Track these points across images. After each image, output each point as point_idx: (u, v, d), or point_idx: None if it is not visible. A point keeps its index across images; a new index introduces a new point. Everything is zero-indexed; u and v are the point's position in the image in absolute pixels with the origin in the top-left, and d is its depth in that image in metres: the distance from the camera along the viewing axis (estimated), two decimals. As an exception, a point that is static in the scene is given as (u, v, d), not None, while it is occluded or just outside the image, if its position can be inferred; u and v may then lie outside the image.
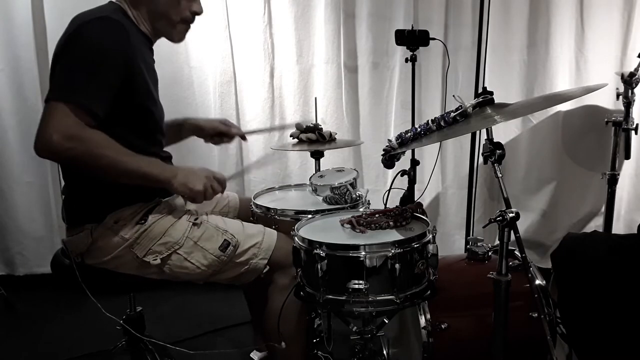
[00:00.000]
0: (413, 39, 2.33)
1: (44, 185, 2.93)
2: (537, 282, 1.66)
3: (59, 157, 1.40)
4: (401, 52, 2.72)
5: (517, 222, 1.31)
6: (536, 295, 1.44)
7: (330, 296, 1.35)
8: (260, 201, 1.88)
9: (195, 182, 1.53)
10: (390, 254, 1.30)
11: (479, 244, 1.82)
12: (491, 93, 1.42)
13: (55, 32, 2.57)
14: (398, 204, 1.78)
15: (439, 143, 2.73)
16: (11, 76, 2.81)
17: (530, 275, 1.40)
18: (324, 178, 1.90)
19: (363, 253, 1.31)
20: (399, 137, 1.53)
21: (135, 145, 1.50)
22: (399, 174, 2.20)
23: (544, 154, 2.82)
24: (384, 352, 1.93)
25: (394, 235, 1.43)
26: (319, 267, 1.33)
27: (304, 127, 2.11)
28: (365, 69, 2.85)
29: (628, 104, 2.33)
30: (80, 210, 1.57)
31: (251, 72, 2.83)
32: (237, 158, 2.89)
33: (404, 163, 2.00)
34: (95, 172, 1.44)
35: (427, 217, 1.52)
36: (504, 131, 2.82)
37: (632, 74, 2.28)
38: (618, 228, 2.76)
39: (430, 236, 1.39)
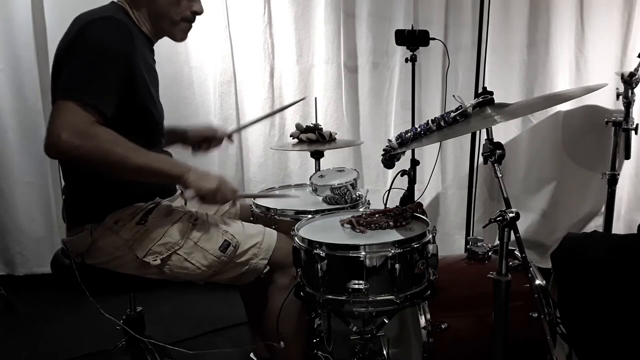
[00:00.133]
0: (413, 39, 2.33)
1: (44, 185, 2.93)
2: (537, 282, 1.66)
3: (69, 155, 1.35)
4: (401, 52, 2.72)
5: (517, 222, 1.31)
6: (536, 295, 1.44)
7: (330, 296, 1.35)
8: (261, 201, 1.88)
9: (210, 180, 1.50)
10: (390, 254, 1.30)
11: (479, 244, 1.82)
12: (491, 93, 1.42)
13: (55, 32, 2.57)
14: (398, 204, 1.78)
15: (439, 143, 2.73)
16: (11, 76, 2.80)
17: (530, 275, 1.40)
18: (324, 178, 1.90)
19: (363, 253, 1.31)
20: (399, 137, 1.53)
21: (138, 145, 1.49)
22: (399, 174, 2.20)
23: (544, 154, 2.82)
24: (384, 352, 1.94)
25: (394, 235, 1.43)
26: (319, 267, 1.33)
27: (304, 127, 2.11)
28: (365, 69, 2.85)
29: (628, 104, 2.33)
30: (81, 210, 1.57)
31: (251, 72, 2.83)
32: (237, 158, 2.90)
33: (404, 163, 2.00)
34: (106, 170, 1.41)
35: (427, 217, 1.52)
36: (504, 131, 2.83)
37: (632, 74, 2.28)
38: (618, 228, 2.76)
39: (430, 236, 1.39)
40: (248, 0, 2.75)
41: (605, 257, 1.70)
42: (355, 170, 1.95)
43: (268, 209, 1.79)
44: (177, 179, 1.48)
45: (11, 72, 2.80)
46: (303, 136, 2.10)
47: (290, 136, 2.16)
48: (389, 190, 1.98)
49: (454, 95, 1.50)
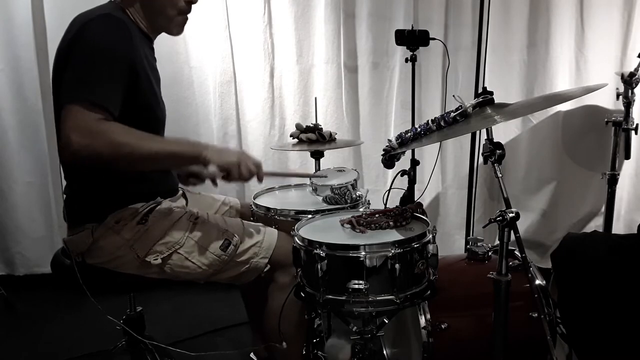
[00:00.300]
0: (413, 39, 2.33)
1: (44, 185, 2.93)
2: (537, 282, 1.66)
3: (82, 155, 1.34)
4: (401, 52, 2.72)
5: (517, 222, 1.31)
6: (536, 295, 1.44)
7: (330, 296, 1.35)
8: (260, 201, 1.88)
9: (229, 154, 1.46)
10: (390, 254, 1.30)
11: (479, 244, 1.82)
12: (491, 93, 1.43)
13: (55, 32, 2.57)
14: (398, 204, 1.79)
15: (439, 143, 2.73)
16: (11, 76, 2.80)
17: (530, 275, 1.40)
18: (324, 178, 1.90)
19: (363, 253, 1.31)
20: (399, 137, 1.53)
21: None
22: (399, 174, 2.20)
23: (544, 154, 2.82)
24: (384, 352, 1.94)
25: (394, 235, 1.43)
26: (319, 267, 1.33)
27: (304, 127, 2.11)
28: (365, 69, 2.85)
29: (628, 104, 2.33)
30: (82, 209, 1.57)
31: (251, 72, 2.83)
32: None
33: (404, 163, 2.00)
34: (122, 163, 1.40)
35: (427, 217, 1.52)
36: (504, 131, 2.83)
37: (632, 74, 2.28)
38: (618, 228, 2.76)
39: (430, 236, 1.39)
40: (248, 0, 2.75)
41: (605, 257, 1.70)
42: (355, 170, 1.95)
43: (268, 208, 1.79)
44: (196, 159, 1.44)
45: (11, 72, 2.80)
46: (303, 136, 2.10)
47: (290, 136, 2.16)
48: (389, 190, 1.99)
49: (454, 95, 1.50)
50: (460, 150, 2.86)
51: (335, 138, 2.13)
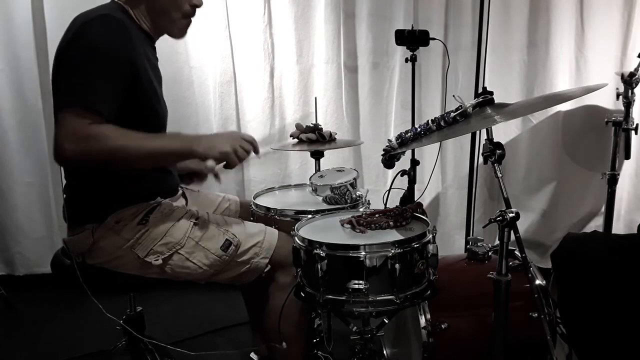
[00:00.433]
0: (413, 39, 2.33)
1: (44, 185, 2.93)
2: (537, 282, 1.66)
3: (77, 161, 1.38)
4: (401, 52, 2.72)
5: (517, 222, 1.31)
6: (536, 295, 1.44)
7: (330, 296, 1.35)
8: (260, 201, 1.88)
9: (222, 144, 1.46)
10: (390, 254, 1.30)
11: (479, 244, 1.82)
12: (491, 93, 1.43)
13: (55, 32, 2.57)
14: (398, 204, 1.79)
15: (439, 143, 2.73)
16: (11, 76, 2.80)
17: (530, 275, 1.40)
18: (324, 178, 1.90)
19: (363, 253, 1.31)
20: (399, 137, 1.53)
21: None
22: (399, 174, 2.20)
23: (544, 154, 2.82)
24: (384, 352, 1.94)
25: (394, 235, 1.43)
26: (319, 267, 1.33)
27: (304, 127, 2.11)
28: (365, 69, 2.85)
29: (628, 104, 2.33)
30: (82, 210, 1.57)
31: (251, 72, 2.83)
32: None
33: (404, 163, 2.00)
34: (117, 164, 1.43)
35: (427, 217, 1.52)
36: (504, 131, 2.83)
37: (632, 74, 2.28)
38: (618, 228, 2.77)
39: (430, 236, 1.39)
40: (248, 0, 2.75)
41: (605, 257, 1.70)
42: (355, 170, 1.95)
43: (268, 208, 1.79)
44: (190, 154, 1.46)
45: (11, 72, 2.80)
46: (303, 136, 2.10)
47: (290, 136, 2.16)
48: (389, 190, 1.98)
49: (454, 95, 1.50)
50: (460, 150, 2.86)
51: (335, 138, 2.13)
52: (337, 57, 2.81)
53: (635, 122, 2.37)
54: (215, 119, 2.85)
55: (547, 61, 2.75)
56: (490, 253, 1.81)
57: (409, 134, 1.51)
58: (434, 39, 2.38)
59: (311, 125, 2.11)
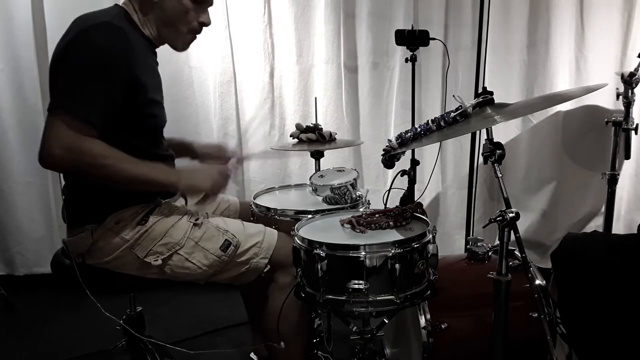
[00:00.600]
0: (413, 39, 2.33)
1: (44, 185, 2.93)
2: (537, 282, 1.66)
3: (61, 168, 1.44)
4: (401, 52, 2.72)
5: (517, 222, 1.31)
6: (536, 295, 1.44)
7: (330, 296, 1.35)
8: (260, 201, 1.88)
9: (202, 181, 1.56)
10: (390, 254, 1.30)
11: (479, 244, 1.82)
12: (491, 93, 1.42)
13: (55, 32, 2.57)
14: (398, 204, 1.78)
15: (439, 143, 2.73)
16: (11, 76, 2.81)
17: (530, 275, 1.40)
18: (324, 178, 1.90)
19: (363, 253, 1.31)
20: (399, 137, 1.53)
21: (137, 146, 1.50)
22: (399, 174, 2.20)
23: (544, 154, 2.82)
24: (384, 352, 1.94)
25: (394, 235, 1.43)
26: (319, 267, 1.33)
27: (304, 127, 2.11)
28: (365, 69, 2.85)
29: (628, 104, 2.33)
30: (81, 210, 1.57)
31: (251, 72, 2.83)
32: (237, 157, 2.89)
33: (404, 163, 2.00)
34: (99, 181, 1.46)
35: (427, 217, 1.52)
36: (504, 131, 2.83)
37: (632, 74, 2.28)
38: (618, 228, 2.76)
39: (430, 236, 1.39)
40: (248, 0, 2.75)
41: (605, 257, 1.70)
42: (355, 170, 1.95)
43: (268, 208, 1.79)
44: (170, 187, 1.53)
45: (11, 72, 2.80)
46: (303, 136, 2.10)
47: (290, 136, 2.16)
48: (389, 190, 1.98)
49: (454, 95, 1.50)
50: (460, 150, 2.86)
51: (335, 138, 2.13)
52: (337, 57, 2.81)
53: (635, 122, 2.37)
54: (215, 119, 2.85)
55: (547, 61, 2.75)
56: (490, 253, 1.81)
57: (409, 134, 1.51)
58: (434, 39, 2.38)
59: (311, 125, 2.11)
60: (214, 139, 2.84)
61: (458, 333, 1.64)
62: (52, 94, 1.44)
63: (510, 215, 1.29)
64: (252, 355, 2.04)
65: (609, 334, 1.65)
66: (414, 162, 2.37)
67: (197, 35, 1.68)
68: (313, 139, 2.08)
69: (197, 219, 1.61)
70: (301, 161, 2.90)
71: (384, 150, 1.57)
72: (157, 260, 1.53)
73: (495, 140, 1.37)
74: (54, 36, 2.62)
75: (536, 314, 1.61)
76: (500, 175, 1.34)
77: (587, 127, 2.73)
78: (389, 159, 1.57)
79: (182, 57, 2.77)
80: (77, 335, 2.51)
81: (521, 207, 2.72)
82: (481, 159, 1.43)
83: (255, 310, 1.92)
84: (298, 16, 2.79)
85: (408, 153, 2.35)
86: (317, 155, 2.19)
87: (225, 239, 1.59)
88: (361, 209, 1.73)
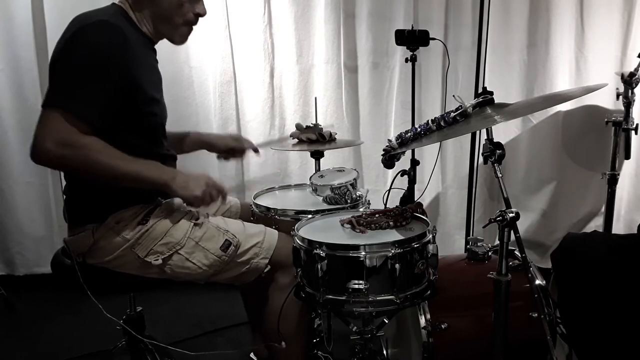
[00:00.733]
0: (413, 39, 2.33)
1: (44, 185, 2.93)
2: (537, 282, 1.66)
3: (53, 164, 1.42)
4: (401, 52, 2.72)
5: (517, 222, 1.31)
6: (536, 295, 1.44)
7: (330, 296, 1.35)
8: (261, 201, 1.88)
9: (195, 187, 1.50)
10: (390, 254, 1.30)
11: (479, 244, 1.82)
12: (491, 93, 1.42)
13: (55, 32, 2.56)
14: (398, 204, 1.78)
15: (439, 143, 2.73)
16: (11, 76, 2.81)
17: (530, 275, 1.40)
18: (324, 178, 1.90)
19: (363, 253, 1.31)
20: (399, 137, 1.53)
21: (138, 146, 1.50)
22: (399, 174, 2.20)
23: (544, 154, 2.82)
24: (384, 352, 1.94)
25: (394, 235, 1.43)
26: (319, 267, 1.33)
27: (304, 127, 2.11)
28: (365, 69, 2.85)
29: (628, 104, 2.33)
30: (82, 210, 1.57)
31: (251, 72, 2.83)
32: (237, 157, 2.90)
33: (404, 163, 2.00)
34: (92, 178, 1.45)
35: (427, 217, 1.52)
36: (504, 131, 2.83)
37: (632, 74, 2.28)
38: (618, 228, 2.77)
39: (430, 236, 1.39)
40: (248, 0, 2.75)
41: (605, 257, 1.70)
42: (355, 170, 1.95)
43: (268, 208, 1.79)
44: (163, 186, 1.49)
45: (11, 72, 2.80)
46: (303, 136, 2.10)
47: (290, 136, 2.16)
48: (389, 190, 1.98)
49: (454, 95, 1.50)
50: (460, 150, 2.86)
51: (335, 138, 2.13)
52: (337, 57, 2.81)
53: (635, 122, 2.37)
54: (215, 119, 2.85)
55: (547, 61, 2.75)
56: (490, 253, 1.80)
57: (409, 134, 1.51)
58: (434, 39, 2.38)
59: (311, 125, 2.11)
60: (214, 138, 2.84)
61: (458, 333, 1.64)
62: (47, 91, 1.43)
63: (510, 215, 1.29)
64: (252, 355, 2.03)
65: (609, 334, 1.65)
66: (414, 162, 2.37)
67: (194, 28, 1.67)
68: (313, 139, 2.08)
69: (197, 219, 1.61)
70: (301, 161, 2.90)
71: (384, 150, 1.57)
72: (157, 260, 1.53)
73: (495, 140, 1.37)
74: (54, 36, 2.61)
75: (536, 314, 1.61)
76: (500, 175, 1.34)
77: (587, 127, 2.73)
78: (389, 159, 1.57)
79: (182, 57, 2.77)
80: (77, 335, 2.51)
81: (521, 207, 2.72)
82: (481, 159, 1.43)
83: (255, 310, 1.92)
84: (298, 16, 2.79)
85: (408, 153, 2.35)
86: (317, 155, 2.19)
87: (226, 239, 1.59)
88: (361, 209, 1.73)
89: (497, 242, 1.39)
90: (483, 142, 1.39)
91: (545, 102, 1.69)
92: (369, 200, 1.89)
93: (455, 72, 2.79)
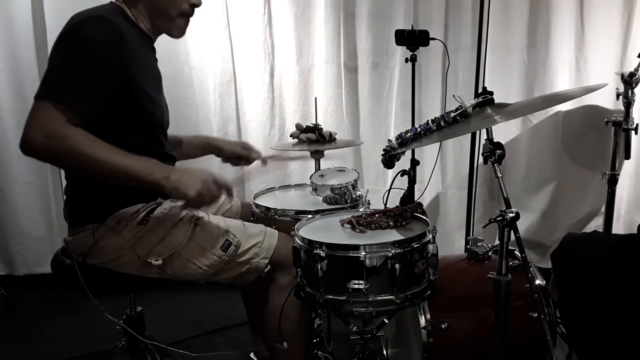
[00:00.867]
0: (413, 39, 2.33)
1: (44, 185, 2.93)
2: (537, 282, 1.66)
3: (41, 155, 1.35)
4: (401, 52, 2.72)
5: (517, 222, 1.31)
6: (536, 295, 1.44)
7: (330, 296, 1.35)
8: (260, 201, 1.88)
9: (189, 186, 1.38)
10: (390, 254, 1.30)
11: (479, 244, 1.82)
12: (491, 93, 1.43)
13: (55, 32, 2.53)
14: (398, 204, 1.79)
15: (439, 143, 2.74)
16: (11, 76, 2.81)
17: (530, 275, 1.40)
18: (324, 178, 1.90)
19: (363, 253, 1.31)
20: (399, 137, 1.53)
21: (137, 145, 1.49)
22: (399, 174, 2.20)
23: (544, 154, 2.82)
24: (384, 352, 1.94)
25: (394, 235, 1.43)
26: (319, 267, 1.33)
27: (304, 127, 2.11)
28: (365, 69, 2.85)
29: (628, 104, 2.33)
30: (82, 210, 1.57)
31: (251, 72, 2.83)
32: (237, 158, 2.89)
33: (404, 163, 2.00)
34: (81, 172, 1.41)
35: (427, 217, 1.52)
36: (504, 131, 2.83)
37: (632, 74, 2.28)
38: (618, 228, 2.77)
39: (430, 236, 1.39)
40: (248, 0, 2.75)
41: (605, 257, 1.70)
42: (355, 170, 1.95)
43: (268, 208, 1.79)
44: (155, 185, 1.38)
45: (11, 72, 2.80)
46: (303, 136, 2.10)
47: (290, 136, 2.16)
48: (389, 190, 1.99)
49: (454, 95, 1.50)
50: (460, 150, 2.86)
51: (335, 138, 2.13)
52: (337, 57, 2.81)
53: (635, 122, 2.37)
54: (215, 119, 2.85)
55: (547, 61, 2.75)
56: (490, 253, 1.80)
57: (409, 134, 1.51)
58: (434, 39, 2.38)
59: (311, 125, 2.11)
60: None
61: (458, 333, 1.64)
62: (40, 85, 1.40)
63: (510, 215, 1.29)
64: (252, 355, 2.04)
65: (609, 334, 1.65)
66: (414, 162, 2.37)
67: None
68: (313, 139, 2.08)
69: (197, 219, 1.61)
70: (301, 161, 2.90)
71: (384, 150, 1.57)
72: (157, 260, 1.53)
73: (495, 140, 1.37)
74: (53, 36, 2.57)
75: (536, 314, 1.61)
76: (500, 175, 1.34)
77: (587, 127, 2.73)
78: (389, 159, 1.57)
79: (182, 57, 2.77)
80: (77, 335, 2.51)
81: (521, 207, 2.72)
82: (481, 159, 1.43)
83: (255, 310, 1.92)
84: (298, 16, 2.79)
85: (408, 153, 2.35)
86: (317, 155, 2.19)
87: (226, 239, 1.59)
88: (361, 209, 1.73)
89: (497, 242, 1.39)
90: (483, 142, 1.39)
91: (545, 102, 1.69)
92: (369, 200, 1.89)
93: (455, 72, 2.79)
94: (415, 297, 1.37)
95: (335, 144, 2.12)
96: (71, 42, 1.40)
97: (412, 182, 2.30)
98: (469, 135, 2.56)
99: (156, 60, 1.69)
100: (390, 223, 1.48)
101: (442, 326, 1.61)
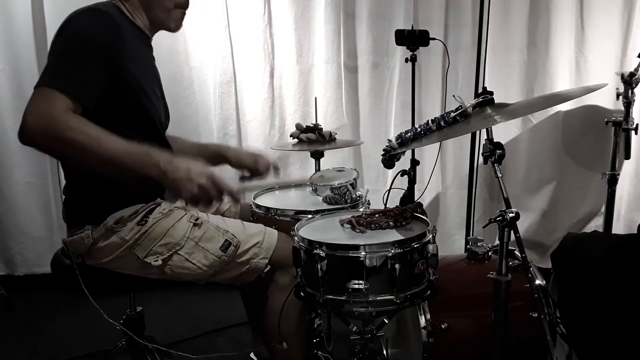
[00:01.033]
0: (413, 39, 2.33)
1: (44, 185, 2.93)
2: (537, 282, 1.66)
3: (37, 141, 1.33)
4: (401, 52, 2.72)
5: (517, 222, 1.31)
6: (536, 295, 1.44)
7: (330, 296, 1.35)
8: (260, 201, 1.88)
9: (184, 185, 1.32)
10: (390, 254, 1.30)
11: (479, 244, 1.82)
12: (491, 93, 1.43)
13: (55, 32, 2.57)
14: (398, 204, 1.79)
15: (439, 143, 2.74)
16: (11, 76, 2.81)
17: (530, 275, 1.40)
18: (324, 178, 1.90)
19: (363, 253, 1.31)
20: (399, 137, 1.53)
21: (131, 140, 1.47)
22: (399, 174, 2.21)
23: (544, 154, 2.83)
24: (384, 352, 1.94)
25: (394, 235, 1.43)
26: (319, 267, 1.32)
27: (304, 127, 2.11)
28: (365, 69, 2.85)
29: (628, 104, 2.33)
30: (81, 210, 1.57)
31: (251, 72, 2.83)
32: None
33: (404, 163, 2.00)
34: (77, 159, 1.37)
35: (427, 217, 1.52)
36: (504, 131, 2.83)
37: (632, 74, 2.28)
38: (618, 228, 2.77)
39: (430, 236, 1.39)
40: (248, 0, 2.75)
41: (605, 257, 1.70)
42: (355, 170, 1.95)
43: (268, 208, 1.79)
44: (148, 178, 1.33)
45: (11, 72, 2.80)
46: (303, 136, 2.10)
47: (290, 136, 2.16)
48: (389, 190, 1.99)
49: (454, 95, 1.50)
50: (460, 150, 2.86)
51: (335, 138, 2.13)
52: (337, 57, 2.81)
53: (635, 122, 2.37)
54: (215, 119, 2.85)
55: (547, 61, 2.75)
56: (490, 253, 1.80)
57: (409, 134, 1.51)
58: (434, 39, 2.39)
59: (311, 125, 2.11)
60: (214, 139, 2.85)
61: (458, 333, 1.63)
62: (40, 75, 1.40)
63: (510, 215, 1.29)
64: (252, 355, 2.04)
65: (609, 334, 1.64)
66: (414, 162, 2.37)
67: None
68: (313, 139, 2.09)
69: (197, 219, 1.61)
70: (301, 161, 2.90)
71: (384, 150, 1.57)
72: (157, 260, 1.53)
73: (495, 140, 1.37)
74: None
75: (536, 314, 1.61)
76: (500, 175, 1.34)
77: (587, 127, 2.73)
78: (389, 159, 1.57)
79: (182, 57, 2.77)
80: (77, 335, 2.51)
81: (521, 207, 2.72)
82: (481, 159, 1.43)
83: (255, 310, 1.92)
84: (298, 16, 2.79)
85: (408, 153, 2.35)
86: (317, 155, 2.19)
87: (226, 239, 1.59)
88: (361, 209, 1.73)
89: (497, 242, 1.39)
90: (483, 142, 1.39)
91: (545, 102, 1.69)
92: (369, 200, 1.89)
93: (455, 72, 2.79)
94: (415, 297, 1.37)
95: (335, 144, 2.12)
96: (67, 32, 1.42)
97: (412, 182, 2.30)
98: (469, 135, 2.56)
99: (153, 58, 1.68)
100: (390, 223, 1.48)
101: (442, 326, 1.61)
